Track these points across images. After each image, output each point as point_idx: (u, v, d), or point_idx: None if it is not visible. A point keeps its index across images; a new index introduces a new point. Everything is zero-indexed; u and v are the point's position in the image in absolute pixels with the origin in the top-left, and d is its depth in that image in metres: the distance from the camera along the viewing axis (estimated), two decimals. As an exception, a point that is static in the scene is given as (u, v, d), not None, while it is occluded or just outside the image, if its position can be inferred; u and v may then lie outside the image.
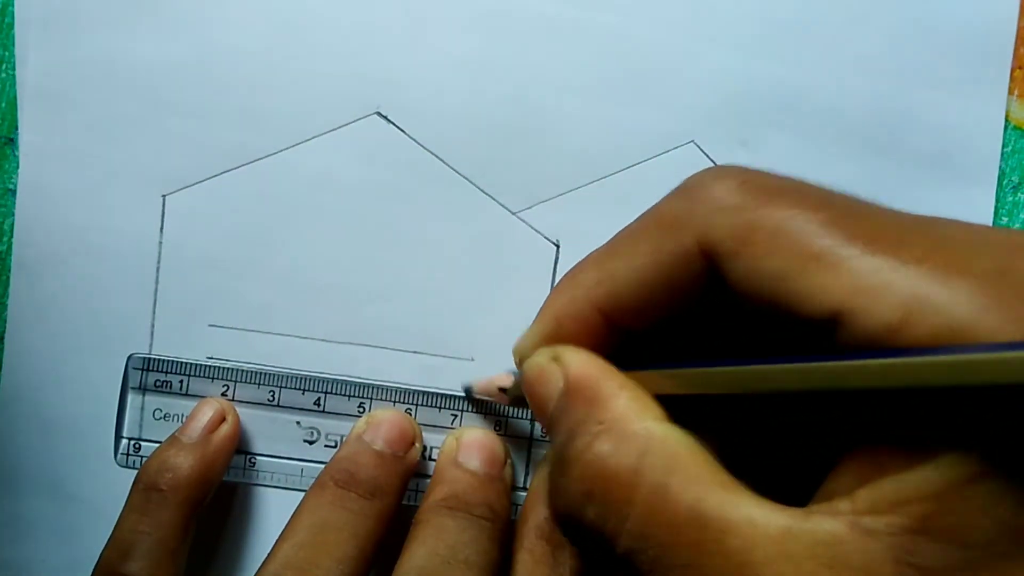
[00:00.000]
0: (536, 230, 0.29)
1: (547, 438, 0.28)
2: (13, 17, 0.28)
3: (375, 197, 0.29)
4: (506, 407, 0.29)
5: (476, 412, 0.30)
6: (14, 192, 0.29)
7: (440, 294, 0.29)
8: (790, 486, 0.18)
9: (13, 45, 0.28)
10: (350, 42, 0.29)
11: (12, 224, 0.29)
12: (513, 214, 0.29)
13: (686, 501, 0.17)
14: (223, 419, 0.28)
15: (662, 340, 0.21)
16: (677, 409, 0.19)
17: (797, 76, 0.29)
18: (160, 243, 0.29)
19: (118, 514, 0.27)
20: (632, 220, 0.21)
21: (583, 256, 0.22)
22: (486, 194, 0.29)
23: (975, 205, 0.30)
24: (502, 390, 0.27)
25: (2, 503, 0.29)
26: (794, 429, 0.21)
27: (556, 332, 0.22)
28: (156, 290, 0.29)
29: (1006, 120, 0.30)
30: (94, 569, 0.26)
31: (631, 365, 0.20)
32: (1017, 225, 0.30)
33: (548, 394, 0.21)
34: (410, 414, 0.29)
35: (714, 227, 0.19)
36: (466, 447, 0.28)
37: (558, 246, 0.29)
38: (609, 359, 0.21)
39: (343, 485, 0.27)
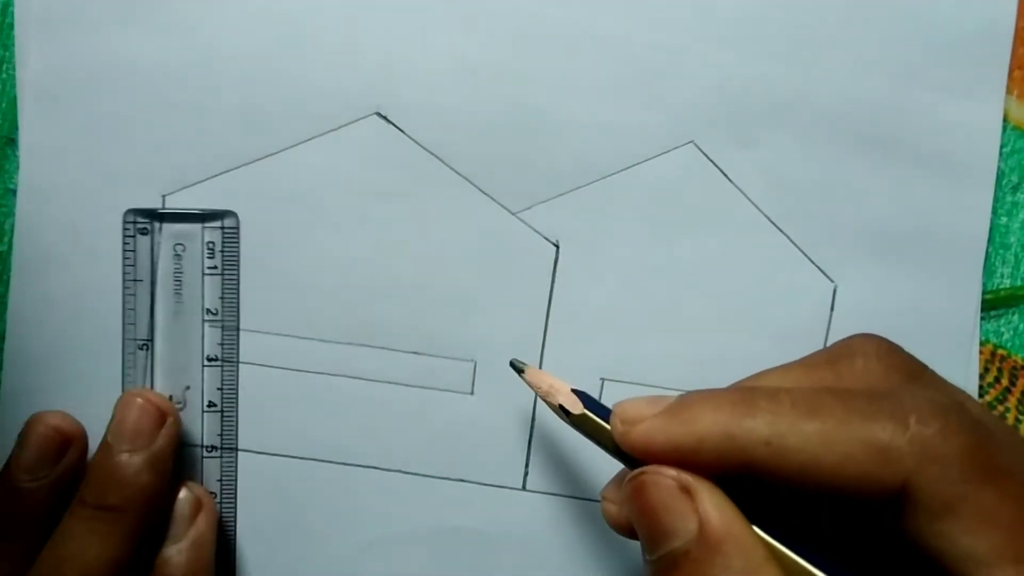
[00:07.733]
0: (536, 230, 0.29)
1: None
2: (13, 17, 0.28)
3: (375, 197, 0.29)
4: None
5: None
6: (15, 192, 0.29)
7: (440, 294, 0.29)
8: None
9: (13, 45, 0.28)
10: (350, 42, 0.29)
11: (13, 224, 0.29)
12: (513, 214, 0.29)
13: None
14: (162, 416, 0.27)
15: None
16: None
17: (797, 76, 0.29)
18: (159, 243, 0.29)
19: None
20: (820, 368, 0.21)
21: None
22: (486, 194, 0.29)
23: (974, 205, 0.30)
24: (563, 409, 0.24)
25: (2, 503, 0.29)
26: None
27: (689, 450, 0.20)
28: (155, 290, 0.29)
29: (1005, 120, 0.30)
30: None
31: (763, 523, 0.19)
32: (1016, 225, 0.30)
33: (670, 528, 0.19)
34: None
35: (927, 480, 0.18)
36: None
37: (558, 246, 0.29)
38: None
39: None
